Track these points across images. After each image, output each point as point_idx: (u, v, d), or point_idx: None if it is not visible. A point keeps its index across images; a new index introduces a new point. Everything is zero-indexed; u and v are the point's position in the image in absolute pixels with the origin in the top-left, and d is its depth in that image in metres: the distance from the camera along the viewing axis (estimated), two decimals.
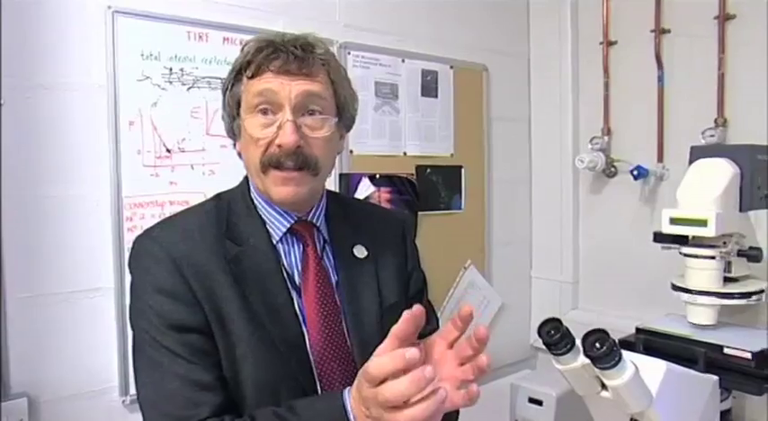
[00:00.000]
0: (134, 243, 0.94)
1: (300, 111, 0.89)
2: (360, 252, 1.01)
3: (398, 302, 1.02)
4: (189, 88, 1.55)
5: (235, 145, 0.98)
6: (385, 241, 1.06)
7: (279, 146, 0.88)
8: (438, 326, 1.14)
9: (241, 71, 0.92)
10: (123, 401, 1.49)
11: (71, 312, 1.42)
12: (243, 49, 0.93)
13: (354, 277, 0.99)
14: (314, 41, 0.93)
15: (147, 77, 1.49)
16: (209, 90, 1.58)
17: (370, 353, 0.77)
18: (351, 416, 0.75)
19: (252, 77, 0.90)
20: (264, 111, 0.89)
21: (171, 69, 1.52)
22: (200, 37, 1.56)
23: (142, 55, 1.48)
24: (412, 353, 0.68)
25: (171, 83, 1.52)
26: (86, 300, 1.44)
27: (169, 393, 0.85)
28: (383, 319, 0.98)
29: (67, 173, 1.42)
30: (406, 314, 0.73)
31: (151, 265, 0.89)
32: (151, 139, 1.50)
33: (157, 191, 1.51)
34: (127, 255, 1.43)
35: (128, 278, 1.44)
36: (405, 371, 0.67)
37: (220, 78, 1.57)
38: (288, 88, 0.88)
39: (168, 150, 1.52)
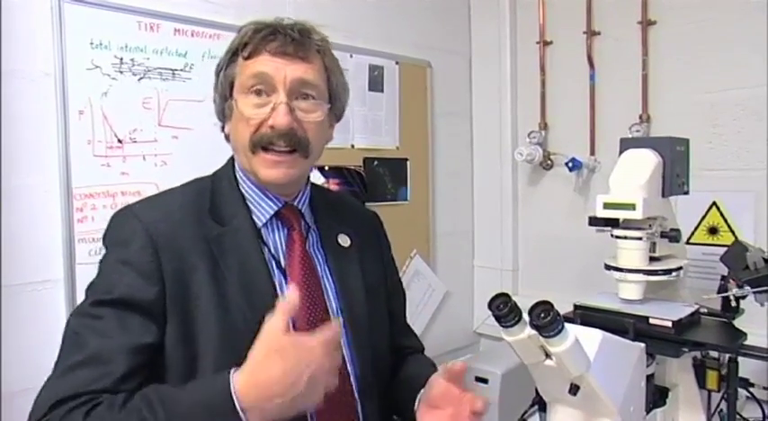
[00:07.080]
0: (112, 218, 0.91)
1: (294, 95, 0.89)
2: (344, 241, 1.04)
3: (380, 287, 1.07)
4: (140, 78, 1.53)
5: (223, 128, 0.97)
6: (363, 233, 1.09)
7: (271, 127, 0.88)
8: (419, 342, 1.21)
9: (237, 52, 0.91)
10: None
11: (19, 305, 1.38)
12: (240, 30, 0.93)
13: (341, 262, 1.01)
14: (311, 28, 0.93)
15: (97, 67, 1.46)
16: (160, 81, 1.56)
17: (359, 330, 0.91)
18: (235, 399, 0.72)
19: (248, 58, 0.89)
20: (258, 92, 0.89)
21: (121, 59, 1.49)
22: (150, 27, 1.54)
23: (91, 44, 1.45)
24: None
25: (122, 73, 1.50)
26: (35, 293, 1.40)
27: (67, 367, 0.81)
28: (369, 301, 1.01)
29: (14, 162, 1.37)
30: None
31: (127, 240, 0.86)
32: (102, 129, 1.47)
33: (109, 181, 1.48)
34: (77, 245, 1.44)
35: (78, 269, 1.44)
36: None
37: (172, 69, 1.59)
38: (283, 71, 0.88)
39: (119, 140, 1.50)
